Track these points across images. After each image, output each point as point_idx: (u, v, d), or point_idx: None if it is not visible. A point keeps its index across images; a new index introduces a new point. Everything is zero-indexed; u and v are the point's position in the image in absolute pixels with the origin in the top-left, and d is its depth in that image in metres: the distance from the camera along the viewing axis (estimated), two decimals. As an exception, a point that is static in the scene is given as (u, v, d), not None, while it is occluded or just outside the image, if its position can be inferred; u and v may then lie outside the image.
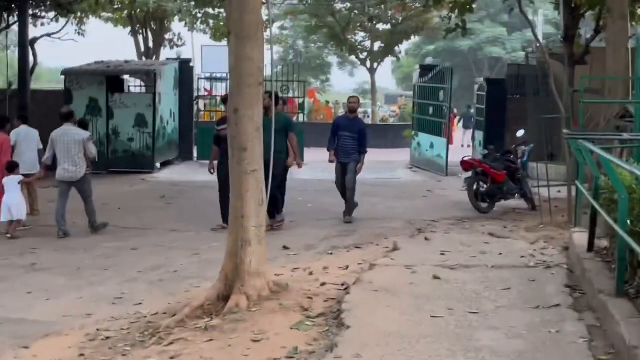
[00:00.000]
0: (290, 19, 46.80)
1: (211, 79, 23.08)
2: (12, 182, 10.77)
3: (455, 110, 31.52)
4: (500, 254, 8.16)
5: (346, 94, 58.10)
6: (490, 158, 13.34)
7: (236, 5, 5.61)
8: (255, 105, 5.84)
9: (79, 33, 22.68)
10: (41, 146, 12.34)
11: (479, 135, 22.09)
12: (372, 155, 25.86)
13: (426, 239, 9.22)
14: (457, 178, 17.05)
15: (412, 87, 23.94)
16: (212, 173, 11.49)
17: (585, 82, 14.40)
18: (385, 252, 8.42)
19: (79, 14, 21.76)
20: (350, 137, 12.15)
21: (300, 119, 22.73)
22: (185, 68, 21.32)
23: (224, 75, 27.25)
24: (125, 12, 28.20)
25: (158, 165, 19.23)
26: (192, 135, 21.34)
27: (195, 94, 22.17)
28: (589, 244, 6.98)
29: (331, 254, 8.88)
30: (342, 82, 61.66)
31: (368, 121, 31.15)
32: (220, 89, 25.28)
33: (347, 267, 7.68)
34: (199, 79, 22.23)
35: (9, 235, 10.54)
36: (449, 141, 30.11)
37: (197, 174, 17.25)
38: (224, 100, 11.43)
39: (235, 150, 5.89)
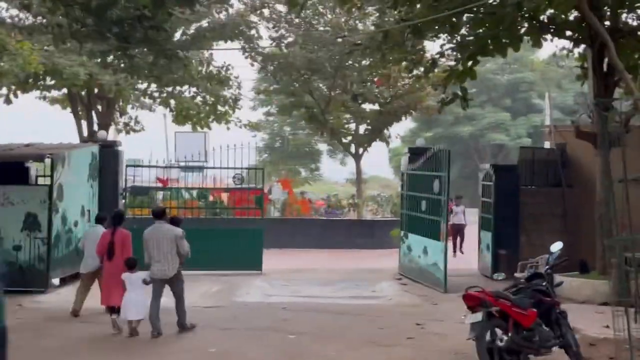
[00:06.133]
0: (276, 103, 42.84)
1: (145, 166, 18.49)
2: (134, 280, 10.35)
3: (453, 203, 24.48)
4: None
5: (338, 184, 53.96)
6: (511, 287, 8.44)
7: None
8: None
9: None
10: None
11: (486, 236, 17.30)
12: (355, 260, 21.49)
13: None
14: (459, 297, 12.23)
15: (400, 174, 19.32)
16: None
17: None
18: None
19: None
20: None
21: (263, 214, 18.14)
22: (107, 153, 16.70)
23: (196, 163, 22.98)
24: (64, 89, 23.88)
25: (57, 281, 14.35)
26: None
27: (125, 184, 17.46)
28: None
29: None
30: (334, 171, 57.19)
31: (353, 216, 26.30)
32: (190, 180, 21.19)
33: None
34: (127, 166, 17.52)
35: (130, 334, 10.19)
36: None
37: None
38: None
39: None
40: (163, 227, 10.63)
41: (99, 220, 12.33)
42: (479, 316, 7.85)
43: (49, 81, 22.56)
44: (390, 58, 16.71)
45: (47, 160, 14.47)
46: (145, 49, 11.34)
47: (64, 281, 14.64)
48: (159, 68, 16.97)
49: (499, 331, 7.87)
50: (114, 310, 10.65)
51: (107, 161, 16.65)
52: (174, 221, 11.10)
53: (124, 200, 17.49)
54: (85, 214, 15.62)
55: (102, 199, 16.31)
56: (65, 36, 14.10)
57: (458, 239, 21.84)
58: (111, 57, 16.88)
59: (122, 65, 17.38)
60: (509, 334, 7.80)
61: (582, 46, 15.25)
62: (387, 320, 11.43)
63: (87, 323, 11.04)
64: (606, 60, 13.93)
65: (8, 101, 21.98)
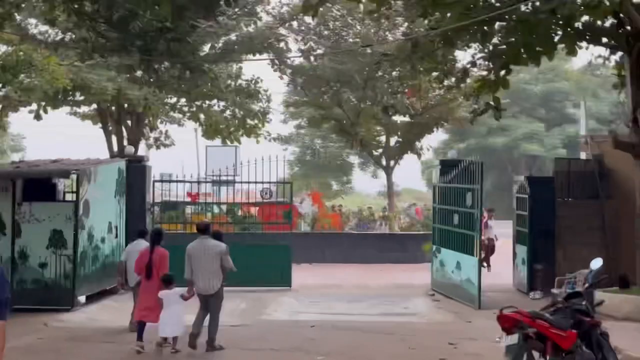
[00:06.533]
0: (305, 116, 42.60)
1: (174, 181, 18.21)
2: (171, 296, 10.17)
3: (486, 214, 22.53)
4: None
5: (370, 197, 53.48)
6: (549, 306, 8.00)
7: None
8: None
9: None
10: None
11: (522, 251, 16.78)
12: (387, 275, 21.04)
13: None
14: (494, 314, 11.75)
15: (432, 187, 18.90)
16: None
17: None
18: None
19: None
20: None
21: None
22: (135, 168, 16.54)
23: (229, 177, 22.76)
24: (93, 105, 23.89)
25: (82, 299, 14.17)
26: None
27: (152, 199, 17.30)
28: None
29: None
30: (366, 183, 56.78)
31: (385, 230, 25.79)
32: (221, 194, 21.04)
33: None
34: (154, 181, 17.38)
35: (172, 350, 10.09)
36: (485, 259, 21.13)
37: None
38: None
39: None
40: (208, 242, 10.45)
41: (140, 234, 12.15)
42: (514, 338, 7.43)
43: (78, 97, 22.64)
44: (421, 68, 16.36)
45: (74, 177, 14.32)
46: (170, 63, 11.14)
47: (94, 297, 14.48)
48: (185, 81, 16.78)
49: (536, 354, 7.45)
50: (143, 327, 10.32)
51: (135, 176, 16.50)
52: (216, 236, 10.89)
53: (151, 216, 17.29)
54: (113, 230, 15.47)
55: (129, 215, 16.15)
56: (91, 50, 13.97)
57: (489, 253, 21.29)
58: (138, 72, 16.73)
59: (150, 79, 17.25)
60: (547, 357, 7.37)
61: (619, 54, 14.75)
62: (419, 340, 11.02)
63: (110, 343, 10.81)
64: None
65: (38, 117, 22.03)
